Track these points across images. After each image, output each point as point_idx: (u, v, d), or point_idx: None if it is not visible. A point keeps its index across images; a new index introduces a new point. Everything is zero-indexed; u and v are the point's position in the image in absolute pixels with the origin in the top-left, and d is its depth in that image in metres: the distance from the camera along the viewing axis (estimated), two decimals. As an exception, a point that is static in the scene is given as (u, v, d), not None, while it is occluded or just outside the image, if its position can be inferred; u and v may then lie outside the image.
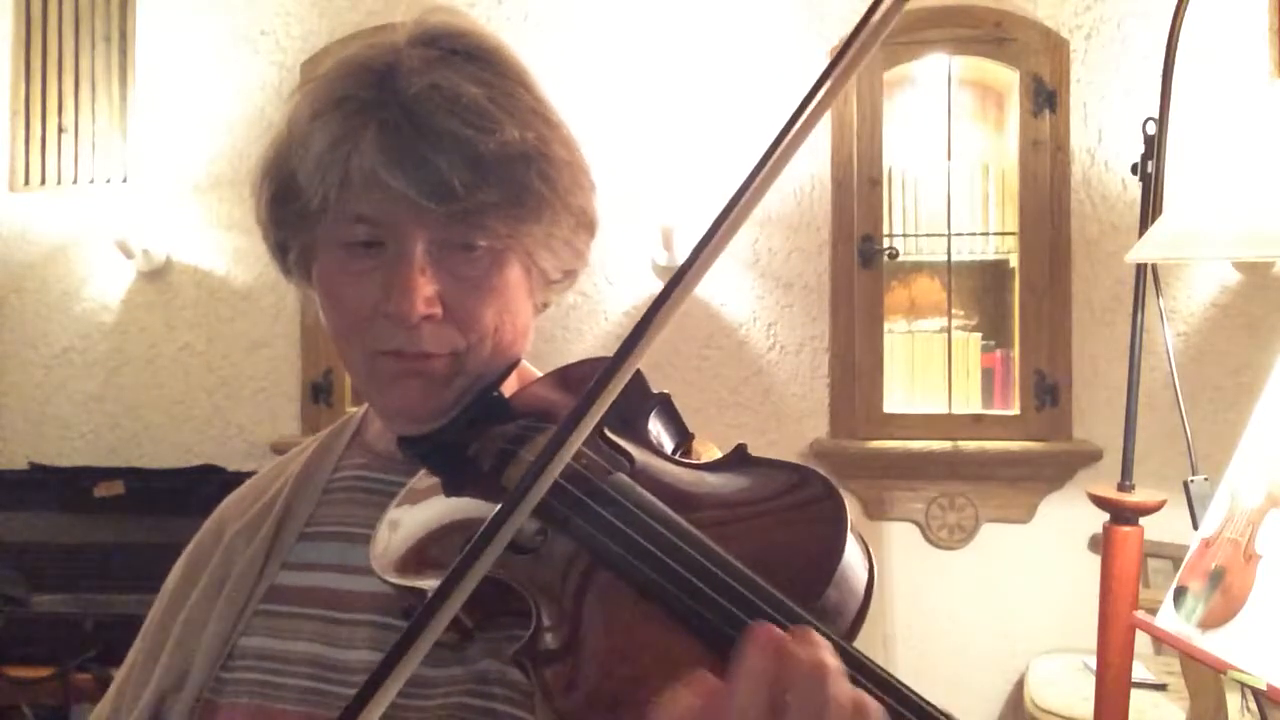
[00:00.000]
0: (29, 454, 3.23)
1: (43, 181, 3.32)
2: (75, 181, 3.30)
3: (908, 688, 0.49)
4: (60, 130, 3.31)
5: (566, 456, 0.56)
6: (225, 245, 3.24)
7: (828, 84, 0.60)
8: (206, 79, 3.24)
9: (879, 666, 0.50)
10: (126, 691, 0.81)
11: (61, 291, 3.31)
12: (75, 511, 2.90)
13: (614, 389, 0.56)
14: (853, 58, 0.60)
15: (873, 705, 0.47)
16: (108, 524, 2.88)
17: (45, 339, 3.33)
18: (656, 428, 0.71)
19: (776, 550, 0.55)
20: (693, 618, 0.52)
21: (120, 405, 3.30)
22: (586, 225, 0.78)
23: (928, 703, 0.49)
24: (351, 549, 0.78)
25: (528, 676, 0.55)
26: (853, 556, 0.53)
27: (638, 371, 0.70)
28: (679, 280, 0.56)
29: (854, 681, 0.47)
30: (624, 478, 0.62)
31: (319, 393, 3.19)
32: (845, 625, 0.53)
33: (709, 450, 0.77)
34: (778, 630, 0.47)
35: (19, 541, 2.83)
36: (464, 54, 0.72)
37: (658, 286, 3.05)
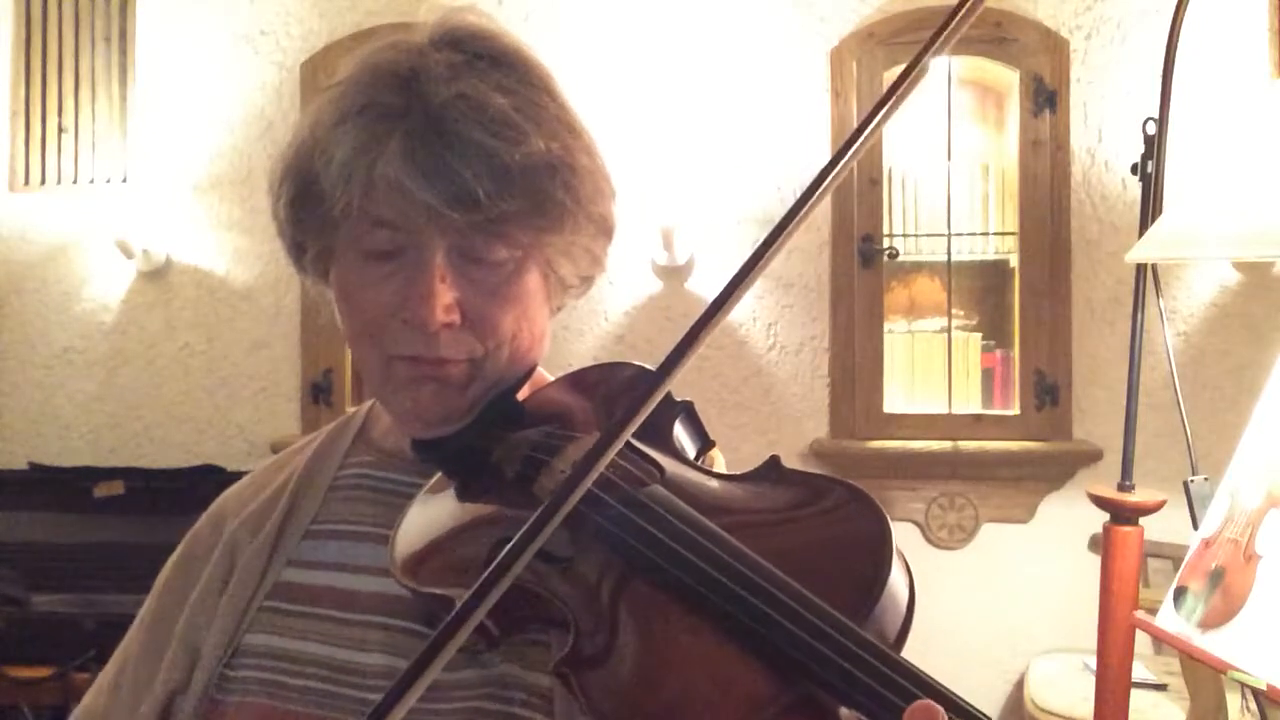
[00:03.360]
0: (29, 454, 3.23)
1: (43, 181, 3.32)
2: (75, 181, 3.30)
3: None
4: (60, 130, 3.31)
5: (602, 467, 0.55)
6: (225, 245, 3.24)
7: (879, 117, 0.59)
8: (206, 79, 3.24)
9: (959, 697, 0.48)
10: (123, 686, 0.80)
11: (61, 291, 3.31)
12: (75, 511, 2.90)
13: (651, 405, 0.56)
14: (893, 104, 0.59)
15: None
16: (108, 524, 2.88)
17: (45, 339, 3.33)
18: (680, 435, 0.71)
19: (821, 567, 0.54)
20: (740, 629, 0.51)
21: (120, 405, 3.30)
22: (606, 231, 0.79)
23: None
24: (357, 548, 0.78)
25: (570, 689, 0.54)
26: (897, 576, 0.53)
27: None
28: (726, 297, 0.56)
29: None
30: (659, 488, 0.61)
31: (319, 393, 3.19)
32: (889, 641, 0.52)
33: (716, 459, 0.76)
34: (932, 707, 0.46)
35: (19, 541, 2.83)
36: (489, 59, 0.72)
37: (658, 286, 3.06)
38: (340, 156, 0.70)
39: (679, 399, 0.72)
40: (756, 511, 0.60)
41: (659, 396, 0.56)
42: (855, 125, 3.02)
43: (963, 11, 0.58)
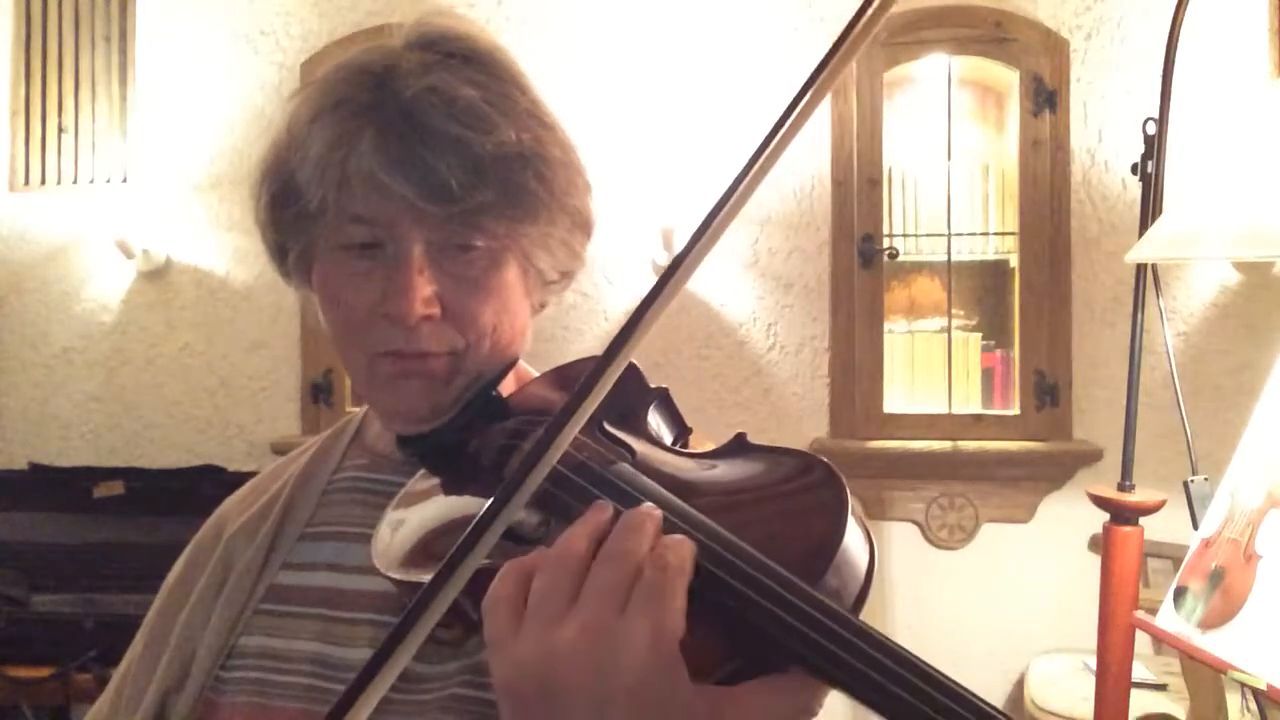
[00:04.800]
0: (29, 454, 3.23)
1: (43, 181, 3.32)
2: (75, 181, 3.30)
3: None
4: (60, 130, 3.31)
5: (563, 444, 0.56)
6: (225, 245, 3.24)
7: (814, 88, 0.60)
8: (206, 79, 3.24)
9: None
10: (126, 689, 0.81)
11: (61, 291, 3.31)
12: (75, 511, 2.90)
13: (610, 377, 0.57)
14: (836, 64, 0.59)
15: (674, 544, 0.50)
16: (108, 524, 2.88)
17: (45, 339, 3.33)
18: (655, 422, 0.71)
19: (779, 534, 0.55)
20: (698, 597, 0.53)
21: (120, 405, 3.30)
22: (583, 226, 0.79)
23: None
24: (351, 549, 0.78)
25: None
26: (853, 540, 0.54)
27: (635, 368, 0.70)
28: (673, 271, 0.57)
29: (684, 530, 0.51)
30: (626, 467, 0.62)
31: (319, 393, 3.19)
32: (846, 606, 0.53)
33: (705, 445, 0.77)
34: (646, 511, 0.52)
35: (19, 541, 2.83)
36: (460, 57, 0.73)
37: (658, 286, 3.06)
38: (314, 152, 0.70)
39: (654, 385, 0.73)
40: (720, 485, 0.61)
41: (618, 368, 0.57)
42: (854, 121, 3.01)
43: (871, 10, 0.59)
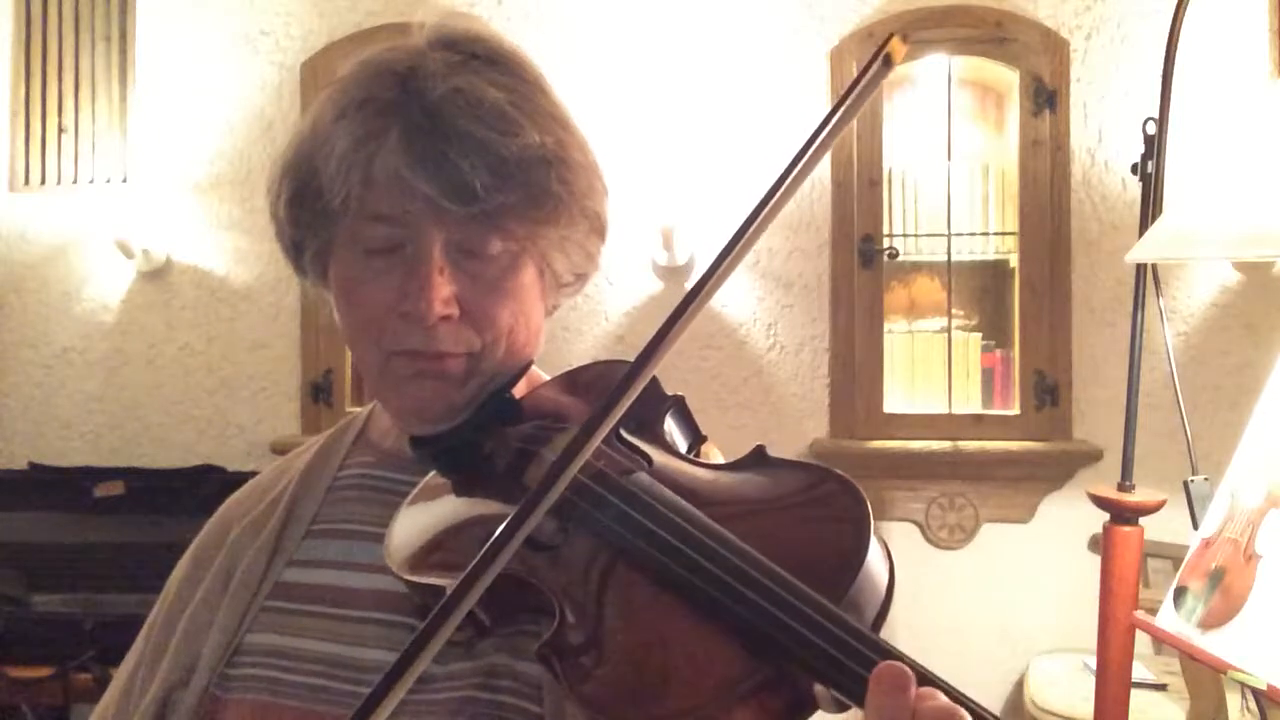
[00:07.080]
0: (29, 454, 3.23)
1: (43, 181, 3.32)
2: (75, 181, 3.30)
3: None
4: (60, 130, 3.31)
5: (588, 454, 0.56)
6: (225, 245, 3.24)
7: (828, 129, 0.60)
8: (206, 79, 3.24)
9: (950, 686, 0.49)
10: (133, 689, 0.81)
11: (61, 291, 3.31)
12: (75, 511, 2.90)
13: (635, 390, 0.57)
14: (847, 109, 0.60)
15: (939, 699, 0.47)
16: (108, 524, 2.87)
17: (45, 339, 3.32)
18: (671, 429, 0.72)
19: (799, 549, 0.55)
20: (719, 610, 0.53)
21: (120, 405, 3.30)
22: (599, 229, 0.80)
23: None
24: (357, 546, 0.78)
25: (553, 671, 0.56)
26: (875, 558, 0.53)
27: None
28: (701, 287, 0.57)
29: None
30: (645, 476, 0.62)
31: (319, 393, 3.19)
32: (866, 622, 0.53)
33: (711, 454, 0.77)
34: (901, 668, 0.47)
35: (19, 541, 2.83)
36: (484, 58, 0.73)
37: (658, 286, 3.06)
38: (340, 149, 0.71)
39: (669, 394, 0.73)
40: (741, 497, 0.61)
41: (642, 381, 0.57)
42: (854, 122, 3.01)
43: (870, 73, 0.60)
